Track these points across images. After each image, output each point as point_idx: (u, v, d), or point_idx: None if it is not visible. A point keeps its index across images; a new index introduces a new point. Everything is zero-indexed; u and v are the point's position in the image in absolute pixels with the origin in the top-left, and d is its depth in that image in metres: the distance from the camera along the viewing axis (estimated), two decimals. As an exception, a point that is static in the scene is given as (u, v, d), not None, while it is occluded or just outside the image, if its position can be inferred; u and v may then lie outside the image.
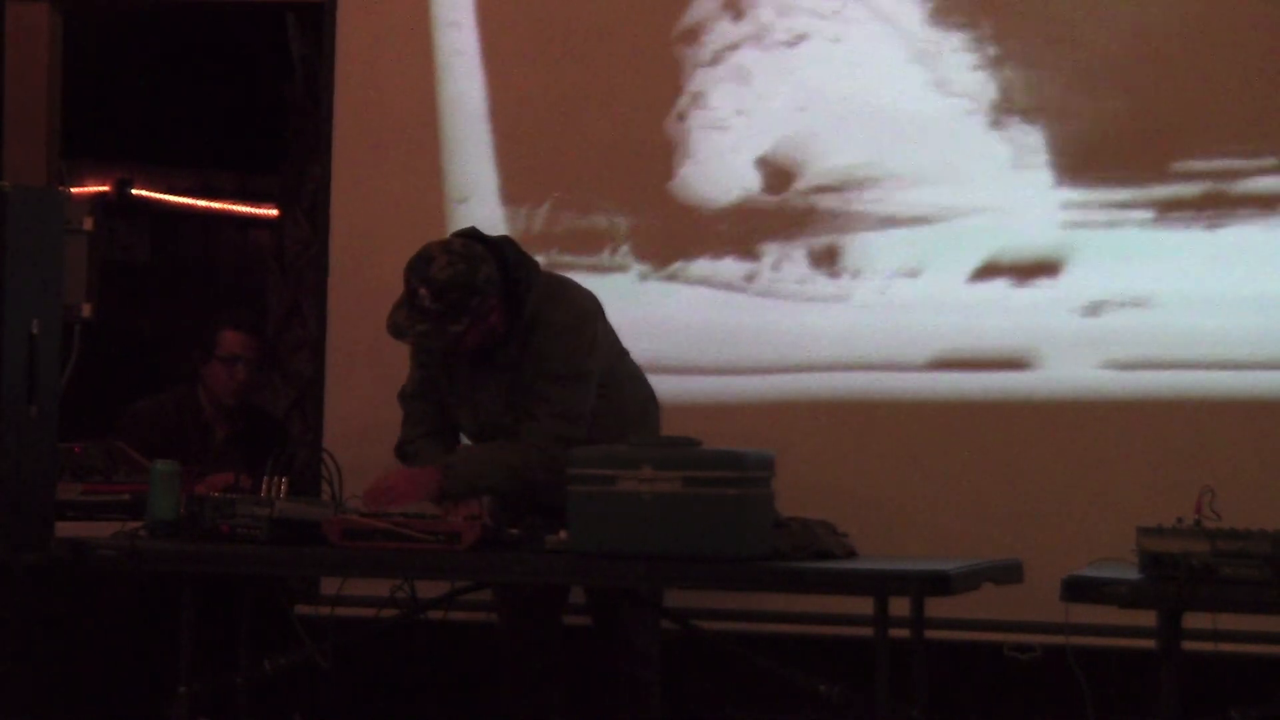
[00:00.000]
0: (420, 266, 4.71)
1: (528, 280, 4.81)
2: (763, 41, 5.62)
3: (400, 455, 5.01)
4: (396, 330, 4.78)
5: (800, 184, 5.56)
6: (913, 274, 5.46)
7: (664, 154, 5.64)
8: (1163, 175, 5.31)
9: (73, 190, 5.26)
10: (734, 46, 5.63)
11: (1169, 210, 5.30)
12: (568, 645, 5.13)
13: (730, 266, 5.52)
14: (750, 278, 5.54)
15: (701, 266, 5.23)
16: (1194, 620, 4.20)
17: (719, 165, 5.61)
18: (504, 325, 4.78)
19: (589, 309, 4.92)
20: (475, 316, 4.71)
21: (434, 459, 4.88)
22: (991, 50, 5.47)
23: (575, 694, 5.15)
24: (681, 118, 5.64)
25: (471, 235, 4.86)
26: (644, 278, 5.68)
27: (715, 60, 5.64)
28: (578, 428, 4.78)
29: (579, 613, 5.17)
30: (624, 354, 5.04)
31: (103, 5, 7.47)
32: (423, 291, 4.69)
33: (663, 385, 5.17)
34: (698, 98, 5.64)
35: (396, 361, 5.75)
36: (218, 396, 6.06)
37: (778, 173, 5.57)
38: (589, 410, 4.82)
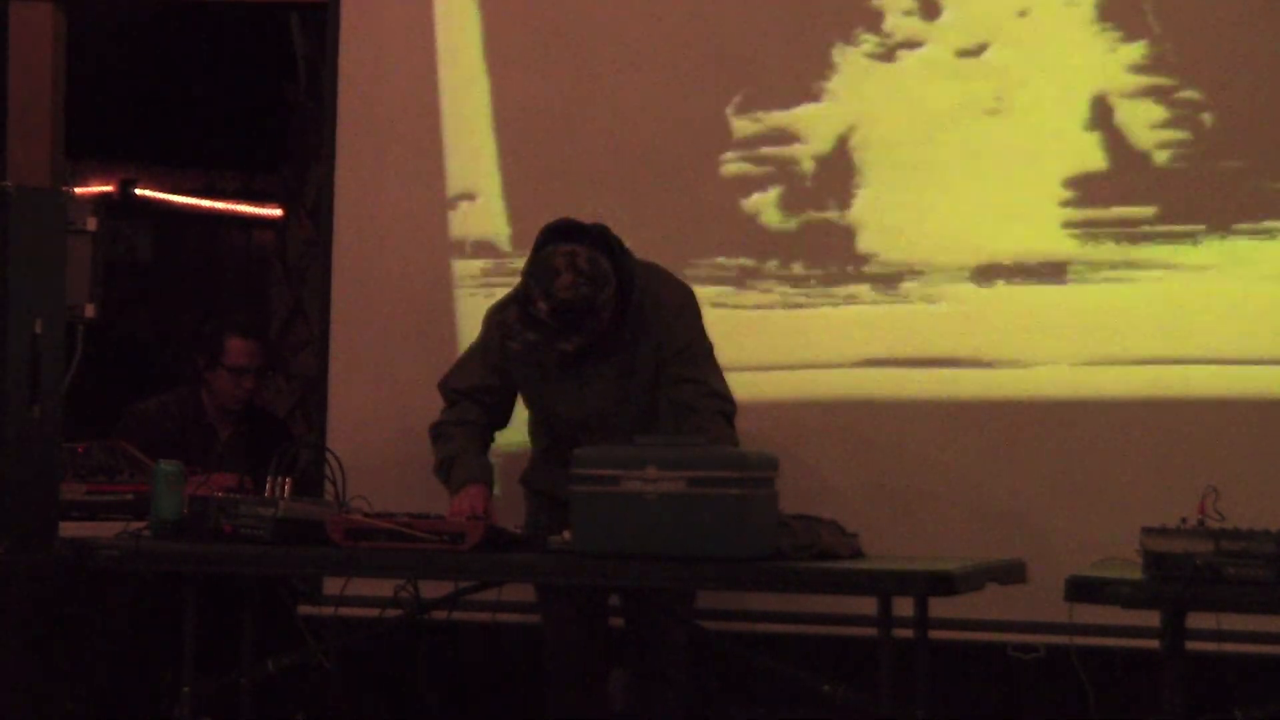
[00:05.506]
0: (544, 277, 4.52)
1: (634, 273, 4.69)
2: (771, 42, 5.62)
3: (433, 436, 4.91)
4: (506, 330, 4.65)
5: (804, 183, 5.55)
6: (917, 273, 5.45)
7: (666, 154, 5.64)
8: (1166, 176, 5.31)
9: (76, 190, 5.25)
10: (740, 47, 5.63)
11: (1173, 209, 5.30)
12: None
13: (732, 265, 5.51)
14: (753, 276, 5.54)
15: (704, 266, 5.21)
16: (1198, 620, 4.19)
17: (722, 165, 5.61)
18: (611, 320, 4.65)
19: (688, 287, 4.88)
20: (587, 335, 4.60)
21: (464, 450, 4.80)
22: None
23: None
24: (685, 117, 5.64)
25: (569, 229, 4.64)
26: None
27: (720, 61, 5.63)
28: (730, 401, 4.76)
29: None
30: None
31: (106, 5, 7.47)
32: (541, 305, 4.52)
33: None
34: (702, 97, 5.63)
35: (400, 361, 5.77)
36: (223, 402, 6.07)
37: (779, 172, 5.57)
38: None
